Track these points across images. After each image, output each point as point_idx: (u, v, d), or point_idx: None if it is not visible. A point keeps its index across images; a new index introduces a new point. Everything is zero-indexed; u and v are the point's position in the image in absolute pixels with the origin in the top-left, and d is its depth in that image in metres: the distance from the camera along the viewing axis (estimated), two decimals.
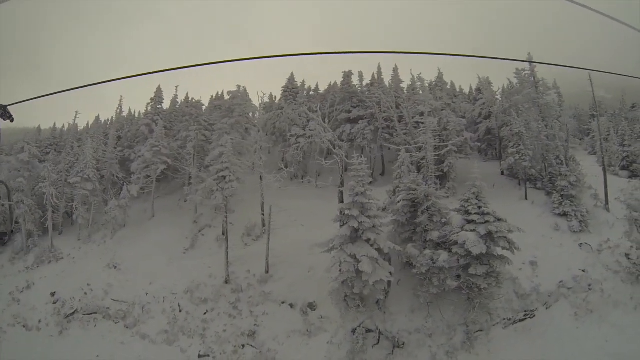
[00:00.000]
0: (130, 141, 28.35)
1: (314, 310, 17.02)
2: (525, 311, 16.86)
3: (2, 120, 4.36)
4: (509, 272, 17.29)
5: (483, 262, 15.42)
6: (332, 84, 32.85)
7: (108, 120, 30.89)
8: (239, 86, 24.68)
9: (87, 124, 32.79)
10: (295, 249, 19.53)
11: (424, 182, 16.68)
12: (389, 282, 15.27)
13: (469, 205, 15.93)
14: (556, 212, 20.53)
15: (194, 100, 28.61)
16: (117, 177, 25.98)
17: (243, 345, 16.99)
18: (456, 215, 16.34)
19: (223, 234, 22.23)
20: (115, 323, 19.68)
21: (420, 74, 23.59)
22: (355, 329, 15.15)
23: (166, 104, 31.14)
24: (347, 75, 29.31)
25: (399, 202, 17.12)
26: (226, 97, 23.74)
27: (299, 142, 25.18)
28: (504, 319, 16.47)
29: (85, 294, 20.72)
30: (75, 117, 28.05)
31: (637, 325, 16.86)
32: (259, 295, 18.24)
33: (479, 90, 29.02)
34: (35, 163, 23.26)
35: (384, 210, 18.91)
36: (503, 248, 15.79)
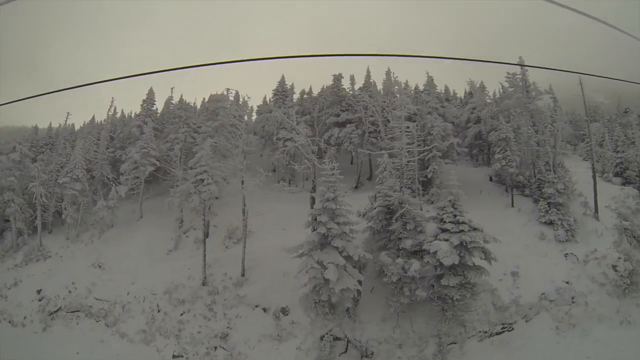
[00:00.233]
0: (122, 142, 28.84)
1: (286, 315, 16.95)
2: (503, 324, 16.38)
3: None
4: (488, 283, 16.83)
5: (457, 272, 15.04)
6: (325, 87, 32.73)
7: (103, 121, 31.47)
8: (227, 89, 24.86)
9: (84, 124, 33.53)
10: (273, 253, 19.50)
11: (399, 188, 16.34)
12: (359, 290, 15.03)
13: (443, 214, 15.58)
14: (542, 221, 19.94)
15: (184, 102, 28.92)
16: (107, 177, 26.43)
17: (215, 347, 17.05)
18: (431, 224, 16.01)
19: (206, 236, 22.43)
20: (97, 321, 20.02)
21: (397, 77, 23.23)
22: (323, 336, 15.00)
23: (161, 106, 31.74)
24: (337, 78, 29.14)
25: (375, 208, 16.90)
26: (202, 101, 23.88)
27: (287, 146, 25.15)
28: (480, 332, 16.04)
29: (70, 292, 21.14)
30: (67, 118, 28.68)
31: (623, 341, 16.22)
32: (234, 298, 18.27)
33: (471, 94, 28.45)
34: (26, 162, 23.87)
35: (364, 216, 18.71)
36: (482, 258, 15.37)
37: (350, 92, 29.34)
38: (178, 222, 23.04)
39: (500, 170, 21.75)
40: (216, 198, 25.02)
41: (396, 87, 22.87)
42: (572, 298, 17.31)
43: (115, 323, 19.53)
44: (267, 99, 35.99)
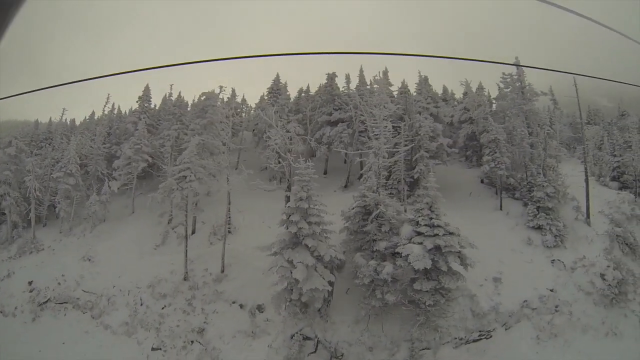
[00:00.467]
0: (118, 138, 29.42)
1: (262, 312, 16.99)
2: (480, 331, 15.98)
3: None
4: (467, 289, 16.44)
5: (431, 277, 14.72)
6: (321, 85, 32.54)
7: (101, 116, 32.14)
8: (220, 87, 24.98)
9: (85, 119, 34.40)
10: (254, 250, 19.50)
11: (376, 189, 16.10)
12: (330, 291, 14.91)
13: (419, 216, 15.28)
14: (530, 225, 19.33)
15: (178, 99, 29.26)
16: (102, 173, 27.02)
17: (192, 342, 17.26)
18: (407, 226, 15.70)
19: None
20: (83, 313, 20.54)
21: (376, 76, 22.81)
22: (293, 335, 14.96)
23: (159, 102, 32.19)
24: (331, 77, 28.90)
25: (352, 208, 16.72)
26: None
27: (277, 144, 25.13)
28: (455, 338, 15.67)
29: (59, 284, 21.73)
30: (63, 114, 29.39)
31: (608, 353, 15.63)
32: (212, 294, 18.44)
33: (465, 94, 27.81)
34: (22, 157, 24.63)
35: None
36: (458, 264, 14.99)
37: (345, 90, 29.11)
38: (166, 218, 23.35)
39: (490, 172, 21.18)
40: (207, 194, 25.41)
41: (376, 85, 22.45)
42: (556, 307, 16.75)
43: (101, 315, 19.99)
44: (265, 97, 36.09)
